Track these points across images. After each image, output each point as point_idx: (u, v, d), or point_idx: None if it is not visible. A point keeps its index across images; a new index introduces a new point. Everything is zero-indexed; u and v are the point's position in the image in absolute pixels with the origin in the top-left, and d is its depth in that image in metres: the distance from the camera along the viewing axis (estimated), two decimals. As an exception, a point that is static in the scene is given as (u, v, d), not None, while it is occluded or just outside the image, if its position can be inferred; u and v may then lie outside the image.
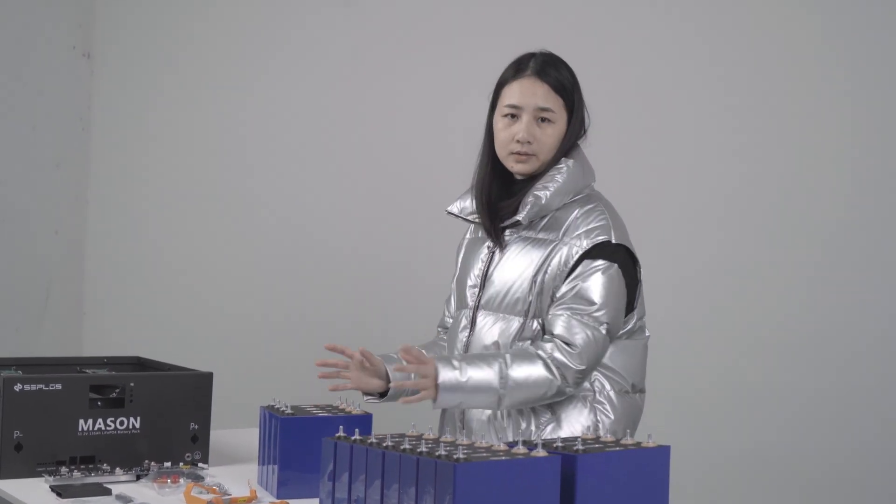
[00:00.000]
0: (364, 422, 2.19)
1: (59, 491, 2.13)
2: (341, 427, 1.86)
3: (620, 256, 2.37)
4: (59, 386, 2.32)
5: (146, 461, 2.37)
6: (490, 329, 2.41)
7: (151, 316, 4.36)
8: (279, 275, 4.24)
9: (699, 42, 3.67)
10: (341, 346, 2.36)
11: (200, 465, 2.42)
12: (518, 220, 2.39)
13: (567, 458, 1.67)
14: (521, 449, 1.66)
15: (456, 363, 2.24)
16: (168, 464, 2.36)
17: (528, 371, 2.27)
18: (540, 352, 2.29)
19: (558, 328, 2.31)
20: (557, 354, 2.28)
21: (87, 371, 2.63)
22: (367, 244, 4.13)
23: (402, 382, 2.26)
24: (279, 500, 2.10)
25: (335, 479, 1.78)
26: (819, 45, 3.50)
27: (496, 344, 2.37)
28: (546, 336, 2.34)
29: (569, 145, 2.44)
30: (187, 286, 4.36)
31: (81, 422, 2.34)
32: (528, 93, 2.42)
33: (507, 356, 2.28)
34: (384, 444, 1.71)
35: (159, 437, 2.42)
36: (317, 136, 4.22)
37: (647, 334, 2.47)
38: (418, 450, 1.64)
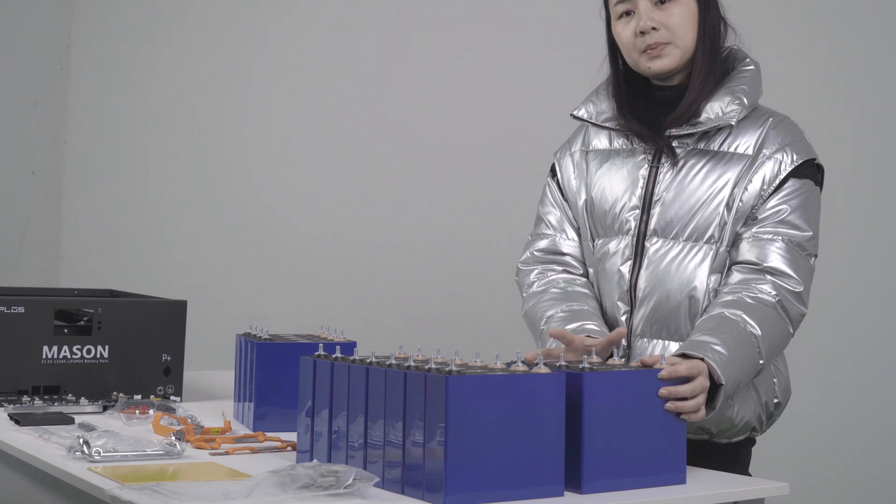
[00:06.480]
0: (348, 350, 2.01)
1: (18, 419, 1.96)
2: (321, 345, 1.70)
3: (821, 179, 2.04)
4: (21, 309, 2.15)
5: (115, 393, 2.21)
6: (669, 261, 1.98)
7: (130, 257, 4.19)
8: (260, 214, 4.09)
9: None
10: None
11: (173, 398, 2.26)
12: (692, 133, 1.99)
13: (572, 375, 1.51)
14: (520, 366, 1.50)
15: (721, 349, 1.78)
16: (138, 396, 2.20)
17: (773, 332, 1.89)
18: (765, 297, 1.89)
19: (773, 259, 1.92)
20: (784, 300, 1.90)
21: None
22: (347, 187, 3.99)
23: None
24: (254, 432, 1.94)
25: (314, 401, 1.62)
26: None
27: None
28: (749, 264, 1.94)
29: (713, 34, 2.03)
30: (167, 227, 4.19)
31: (46, 349, 2.18)
32: None
33: (750, 324, 1.85)
34: (368, 361, 1.55)
35: (129, 368, 2.25)
36: (299, 87, 4.06)
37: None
38: (406, 365, 1.47)
